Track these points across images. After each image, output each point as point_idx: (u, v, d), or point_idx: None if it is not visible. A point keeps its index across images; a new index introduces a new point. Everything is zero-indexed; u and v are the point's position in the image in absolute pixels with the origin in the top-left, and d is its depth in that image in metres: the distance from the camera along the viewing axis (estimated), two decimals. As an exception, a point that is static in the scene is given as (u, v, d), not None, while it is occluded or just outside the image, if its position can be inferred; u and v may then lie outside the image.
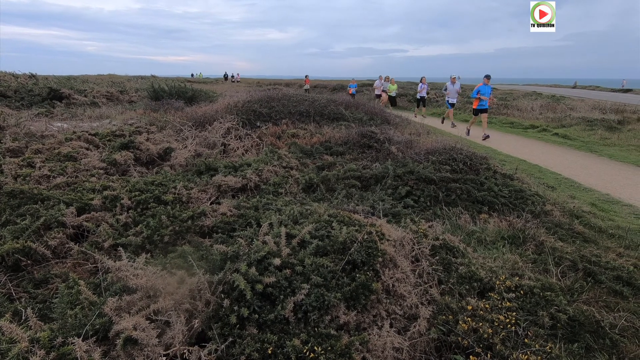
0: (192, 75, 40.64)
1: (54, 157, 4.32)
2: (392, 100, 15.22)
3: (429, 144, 5.56)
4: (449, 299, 2.24)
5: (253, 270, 1.98)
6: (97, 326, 1.74)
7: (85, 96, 10.95)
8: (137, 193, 3.38)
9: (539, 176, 5.74)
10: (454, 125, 11.02)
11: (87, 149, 4.74)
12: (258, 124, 6.81)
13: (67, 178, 3.72)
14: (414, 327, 1.99)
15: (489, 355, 1.85)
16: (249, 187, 4.04)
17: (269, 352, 1.70)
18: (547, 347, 1.88)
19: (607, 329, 2.09)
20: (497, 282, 2.36)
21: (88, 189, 3.49)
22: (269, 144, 5.82)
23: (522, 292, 2.30)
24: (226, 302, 1.86)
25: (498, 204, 3.89)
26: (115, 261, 2.11)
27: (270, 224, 2.63)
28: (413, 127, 8.05)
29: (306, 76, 23.69)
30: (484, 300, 2.23)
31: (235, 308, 1.84)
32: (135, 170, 4.37)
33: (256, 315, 1.84)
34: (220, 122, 6.26)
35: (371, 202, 3.63)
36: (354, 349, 1.76)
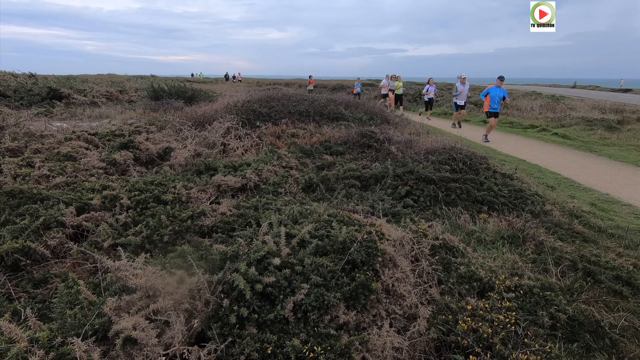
0: (192, 75, 40.59)
1: (54, 156, 4.32)
2: (398, 99, 14.46)
3: (429, 144, 5.57)
4: (449, 298, 2.24)
5: (253, 270, 1.97)
6: (97, 326, 1.74)
7: (85, 96, 10.94)
8: (136, 193, 3.38)
9: (539, 176, 5.74)
10: (457, 126, 10.83)
11: (87, 148, 4.73)
12: (258, 123, 6.81)
13: (66, 178, 3.72)
14: (414, 326, 1.99)
15: (488, 355, 1.85)
16: (248, 187, 4.04)
17: (269, 352, 1.70)
18: (547, 347, 1.88)
19: (606, 328, 2.09)
20: (497, 282, 2.36)
21: (87, 188, 3.48)
22: (268, 144, 5.81)
23: (521, 291, 2.30)
24: (226, 302, 1.85)
25: (498, 203, 3.89)
26: (114, 261, 2.11)
27: (270, 224, 2.63)
28: (413, 127, 8.06)
29: (310, 76, 22.17)
30: (483, 300, 2.23)
31: (235, 308, 1.84)
32: (134, 170, 4.36)
33: (256, 315, 1.84)
34: (220, 122, 6.26)
35: (371, 202, 3.63)
36: (354, 348, 1.76)
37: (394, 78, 14.63)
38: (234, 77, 34.68)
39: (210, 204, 3.51)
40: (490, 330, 1.95)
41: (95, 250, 2.64)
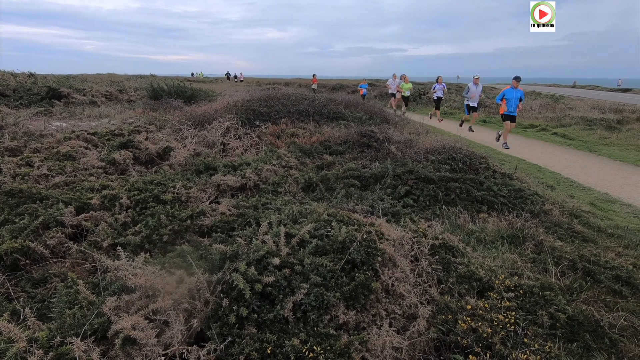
0: (192, 74, 40.52)
1: (53, 156, 4.31)
2: (405, 100, 13.62)
3: (429, 144, 5.57)
4: (448, 298, 2.24)
5: (252, 269, 1.97)
6: (96, 326, 1.74)
7: (84, 95, 10.93)
8: (136, 192, 3.37)
9: (538, 175, 5.74)
10: (460, 126, 10.20)
11: (86, 148, 4.72)
12: (257, 123, 6.81)
13: (65, 177, 3.71)
14: (413, 326, 1.99)
15: (488, 354, 1.85)
16: (248, 187, 4.04)
17: (268, 351, 1.69)
18: (547, 347, 1.88)
19: (606, 328, 2.09)
20: (497, 282, 2.36)
21: (87, 188, 3.48)
22: (268, 144, 5.81)
23: (521, 291, 2.30)
24: (225, 302, 1.85)
25: (497, 203, 3.89)
26: (114, 260, 2.10)
27: (270, 224, 2.63)
28: (412, 127, 8.05)
29: (314, 75, 21.51)
30: (483, 299, 2.23)
31: (235, 308, 1.84)
32: (134, 169, 4.36)
33: (255, 315, 1.84)
34: (220, 122, 6.25)
35: (370, 202, 3.63)
36: (353, 348, 1.76)
37: (403, 78, 13.50)
38: (235, 76, 34.64)
39: (209, 203, 3.51)
40: (489, 330, 1.95)
41: (95, 249, 2.63)
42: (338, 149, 5.56)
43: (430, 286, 2.33)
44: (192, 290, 1.92)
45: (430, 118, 12.51)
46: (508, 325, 2.01)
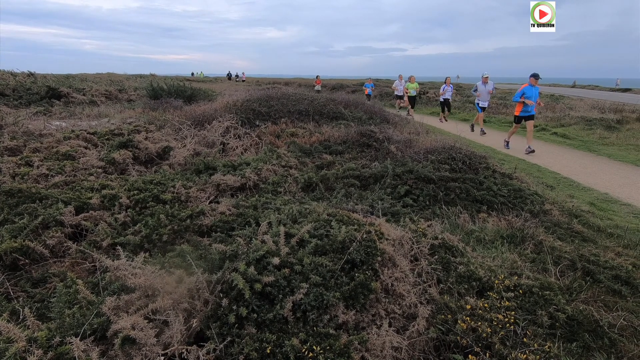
0: (193, 74, 40.52)
1: (52, 155, 4.31)
2: (412, 101, 13.37)
3: (428, 143, 5.57)
4: (448, 298, 2.24)
5: (252, 269, 1.97)
6: (95, 325, 1.74)
7: (84, 95, 10.92)
8: (135, 192, 3.37)
9: (538, 175, 5.74)
10: (483, 133, 9.60)
11: (86, 147, 4.72)
12: (257, 123, 6.80)
13: (65, 177, 3.71)
14: (413, 326, 1.99)
15: (487, 354, 1.85)
16: (248, 186, 4.04)
17: (268, 351, 1.69)
18: (546, 347, 1.88)
19: (605, 328, 2.09)
20: (496, 282, 2.36)
21: (86, 187, 3.48)
22: (268, 143, 5.81)
23: (521, 291, 2.30)
24: (225, 302, 1.85)
25: (497, 203, 3.89)
26: (113, 260, 2.10)
27: (269, 223, 2.63)
28: (412, 127, 8.05)
29: (317, 76, 21.02)
30: (482, 299, 2.23)
31: (234, 307, 1.84)
32: (133, 169, 4.36)
33: (255, 315, 1.84)
34: (219, 121, 6.25)
35: (370, 201, 3.63)
36: (353, 348, 1.76)
37: (410, 79, 13.34)
38: (237, 76, 34.67)
39: (209, 203, 3.51)
40: (489, 329, 1.95)
41: (94, 249, 2.63)
42: (338, 149, 5.56)
43: (429, 286, 2.33)
44: (192, 290, 1.92)
45: (441, 121, 12.12)
46: (507, 325, 2.01)
